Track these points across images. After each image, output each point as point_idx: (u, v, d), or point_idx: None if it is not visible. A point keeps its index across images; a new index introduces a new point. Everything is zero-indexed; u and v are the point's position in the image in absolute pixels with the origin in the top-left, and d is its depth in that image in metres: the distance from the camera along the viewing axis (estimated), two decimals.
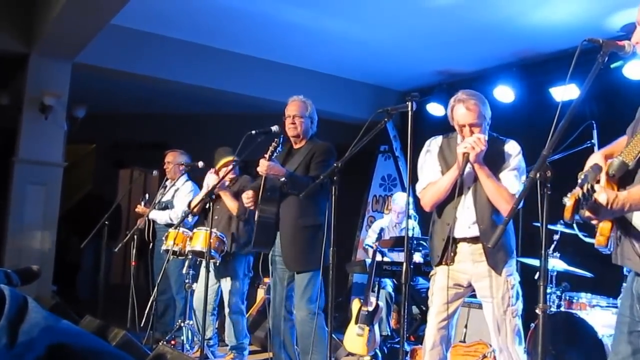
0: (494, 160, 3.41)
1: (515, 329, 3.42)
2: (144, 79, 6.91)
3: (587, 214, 1.80)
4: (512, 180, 3.41)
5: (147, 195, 6.29)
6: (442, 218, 3.53)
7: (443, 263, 3.51)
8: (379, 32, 6.15)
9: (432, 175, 3.57)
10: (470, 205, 3.44)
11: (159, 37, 6.59)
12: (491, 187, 3.35)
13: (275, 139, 4.08)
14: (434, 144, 3.67)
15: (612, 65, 5.16)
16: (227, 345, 5.38)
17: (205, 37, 6.63)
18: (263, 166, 4.03)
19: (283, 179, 4.06)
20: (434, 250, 3.57)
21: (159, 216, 5.94)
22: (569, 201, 1.78)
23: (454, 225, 3.44)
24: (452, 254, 3.48)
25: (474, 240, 3.44)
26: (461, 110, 3.42)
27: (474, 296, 3.72)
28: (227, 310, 5.30)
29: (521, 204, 3.10)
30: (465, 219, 3.43)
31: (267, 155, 4.03)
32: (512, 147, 3.51)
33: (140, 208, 6.08)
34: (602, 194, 1.79)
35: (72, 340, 1.13)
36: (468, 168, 3.38)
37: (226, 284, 5.26)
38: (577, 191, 1.76)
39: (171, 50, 6.71)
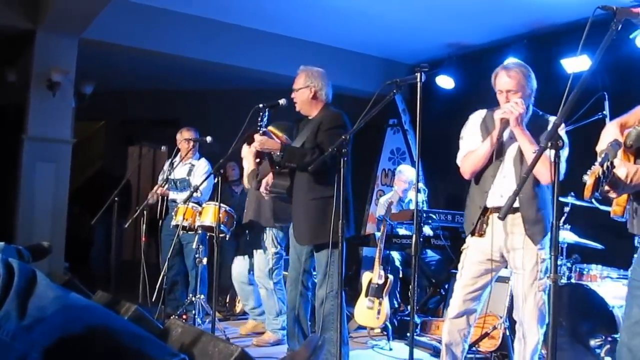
0: (537, 132, 3.37)
1: (539, 303, 3.38)
2: (151, 55, 6.88)
3: (607, 188, 1.78)
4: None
5: (166, 176, 6.21)
6: (479, 185, 3.52)
7: (476, 234, 3.49)
8: (388, 5, 6.08)
9: (472, 143, 3.56)
10: (509, 174, 3.42)
11: (166, 12, 6.55)
12: (532, 152, 3.29)
13: (261, 113, 4.04)
14: (476, 115, 3.67)
15: (631, 36, 5.07)
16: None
17: (213, 11, 6.58)
18: (257, 142, 4.01)
19: (279, 152, 4.03)
20: (469, 217, 3.55)
21: (180, 196, 5.85)
22: (589, 179, 1.76)
23: (489, 193, 3.43)
24: (485, 225, 3.47)
25: (512, 210, 3.39)
26: (502, 77, 3.44)
27: None
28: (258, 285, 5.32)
29: (562, 176, 3.10)
30: (501, 188, 3.41)
31: (261, 130, 4.02)
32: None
33: (162, 190, 5.99)
34: (622, 168, 1.76)
35: (90, 318, 1.14)
36: (509, 135, 3.36)
37: (254, 258, 5.26)
38: (597, 169, 1.74)
39: (179, 26, 6.66)
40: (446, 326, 3.58)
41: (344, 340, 3.97)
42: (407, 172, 6.41)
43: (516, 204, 3.37)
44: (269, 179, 4.29)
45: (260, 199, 5.01)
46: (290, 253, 4.38)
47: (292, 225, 4.23)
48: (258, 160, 4.59)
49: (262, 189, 4.38)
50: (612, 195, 1.86)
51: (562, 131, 3.42)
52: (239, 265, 5.49)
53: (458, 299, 3.53)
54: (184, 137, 6.01)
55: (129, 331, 1.18)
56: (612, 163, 1.76)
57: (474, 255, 3.51)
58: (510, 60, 3.49)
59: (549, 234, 3.43)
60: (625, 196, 2.00)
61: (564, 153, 3.37)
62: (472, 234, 3.52)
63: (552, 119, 3.49)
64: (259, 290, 5.29)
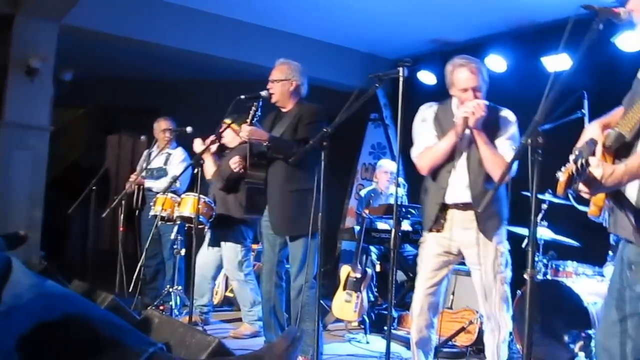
0: (489, 128, 3.41)
1: (503, 295, 3.46)
2: (133, 43, 6.81)
3: (581, 187, 1.80)
4: (508, 148, 3.42)
5: (144, 165, 6.20)
6: (437, 182, 3.54)
7: (434, 230, 3.52)
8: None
9: (428, 140, 3.57)
10: (464, 170, 3.45)
11: (148, 0, 6.48)
12: (488, 154, 3.35)
13: (255, 104, 4.04)
14: (429, 110, 3.67)
15: (612, 38, 5.12)
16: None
17: (195, 1, 6.53)
18: (245, 131, 4.00)
19: (267, 143, 4.04)
20: (427, 214, 3.58)
21: (156, 184, 5.88)
22: (562, 176, 1.77)
23: (447, 190, 3.46)
24: (443, 221, 3.50)
25: (465, 206, 3.45)
26: (464, 73, 3.41)
27: (463, 263, 3.75)
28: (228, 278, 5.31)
29: (514, 172, 3.15)
30: (457, 184, 3.45)
31: (248, 120, 4.00)
32: (508, 116, 3.52)
33: (136, 178, 5.97)
34: (599, 169, 1.78)
35: (67, 306, 1.13)
36: (465, 133, 3.38)
37: (224, 250, 5.24)
38: (571, 166, 1.76)
39: (161, 14, 6.60)
40: (414, 325, 3.61)
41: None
42: (387, 166, 6.43)
43: (469, 200, 3.42)
44: (240, 163, 4.28)
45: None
46: (263, 245, 4.38)
47: (269, 216, 4.23)
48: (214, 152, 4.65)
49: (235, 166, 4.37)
50: (586, 194, 1.88)
51: (514, 125, 3.47)
52: (203, 255, 5.41)
53: (420, 295, 3.57)
54: (162, 128, 6.01)
55: (106, 320, 1.17)
56: (586, 161, 1.77)
57: (432, 248, 3.56)
58: (460, 57, 3.45)
59: (504, 227, 3.49)
60: (602, 196, 2.02)
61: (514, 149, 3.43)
62: (430, 230, 3.55)
63: (504, 113, 3.52)
64: (232, 283, 5.30)
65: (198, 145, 5.05)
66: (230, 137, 5.16)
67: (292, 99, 4.27)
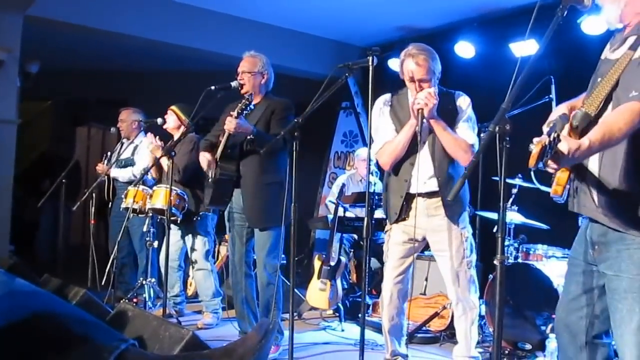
0: (446, 113, 3.46)
1: (470, 279, 3.54)
2: (100, 34, 6.69)
3: (550, 162, 1.83)
4: (468, 131, 3.47)
5: (108, 154, 6.18)
6: (399, 175, 3.57)
7: (399, 221, 3.56)
8: None
9: (387, 134, 3.59)
10: (427, 160, 3.48)
11: None
12: (449, 139, 3.39)
13: (247, 97, 4.03)
14: (384, 102, 3.69)
15: (578, 20, 5.17)
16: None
17: None
18: (231, 124, 3.99)
19: (250, 136, 4.04)
20: (392, 207, 3.62)
21: (121, 174, 5.86)
22: (535, 148, 1.79)
23: (411, 181, 3.48)
24: (408, 210, 3.53)
25: (430, 195, 3.49)
26: (411, 65, 3.44)
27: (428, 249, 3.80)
28: (192, 268, 5.33)
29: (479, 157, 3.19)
30: (422, 174, 3.48)
31: (234, 113, 3.99)
32: (463, 100, 3.56)
33: (100, 167, 5.98)
34: (564, 143, 1.82)
35: (35, 304, 1.12)
36: (422, 124, 3.41)
37: (189, 241, 5.27)
38: (544, 139, 1.78)
39: (129, 4, 6.49)
40: (385, 314, 3.66)
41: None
42: (365, 154, 6.45)
43: (435, 188, 3.48)
44: (211, 162, 4.26)
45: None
46: (230, 236, 4.39)
47: (243, 208, 4.23)
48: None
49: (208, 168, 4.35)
50: (552, 168, 1.91)
51: (469, 107, 3.52)
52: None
53: (389, 283, 3.63)
54: (121, 119, 6.06)
55: (76, 317, 1.16)
56: (558, 136, 1.80)
57: (397, 236, 3.61)
58: (413, 46, 3.49)
59: (466, 211, 3.55)
60: (566, 176, 2.06)
61: (475, 129, 3.51)
62: (397, 222, 3.58)
63: (458, 96, 3.57)
64: (195, 273, 5.32)
65: (148, 142, 5.25)
66: (173, 124, 5.29)
67: (261, 92, 4.30)
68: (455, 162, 3.49)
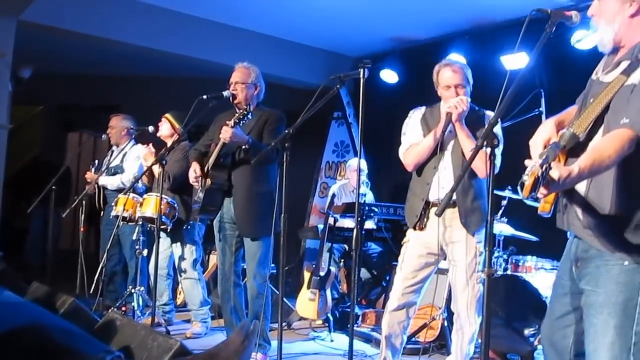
0: (473, 126, 3.50)
1: (477, 295, 3.51)
2: (93, 40, 6.69)
3: (541, 188, 1.84)
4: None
5: (96, 162, 6.16)
6: (422, 177, 3.62)
7: (417, 227, 3.56)
8: None
9: (414, 137, 3.66)
10: (448, 166, 3.53)
11: None
12: (470, 147, 3.42)
13: (245, 107, 4.05)
14: (417, 112, 3.78)
15: (573, 42, 5.23)
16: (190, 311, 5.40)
17: None
18: (227, 133, 4.00)
19: (245, 146, 4.05)
20: (412, 210, 3.64)
21: (110, 181, 5.83)
22: (529, 179, 1.80)
23: (432, 186, 3.51)
24: (426, 219, 3.56)
25: (449, 204, 3.49)
26: (447, 72, 3.55)
27: None
28: (180, 277, 5.31)
29: (497, 168, 3.23)
30: (442, 181, 3.52)
31: (230, 122, 4.00)
32: (490, 116, 3.61)
33: (89, 175, 5.95)
34: (555, 171, 1.83)
35: (20, 317, 1.11)
36: (449, 129, 3.48)
37: (177, 250, 5.26)
38: (537, 169, 1.79)
39: (122, 11, 6.50)
40: (386, 318, 3.66)
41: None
42: (355, 165, 6.48)
43: (454, 197, 3.48)
44: (197, 169, 4.27)
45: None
46: (219, 245, 4.39)
47: (235, 217, 4.23)
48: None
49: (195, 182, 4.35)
50: (542, 194, 1.93)
51: (497, 127, 3.55)
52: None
53: (398, 292, 3.61)
54: (111, 125, 6.01)
55: (61, 329, 1.16)
56: (549, 165, 1.81)
57: (415, 248, 3.60)
58: (447, 59, 3.62)
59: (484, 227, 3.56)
60: (553, 194, 2.08)
61: (500, 147, 3.51)
62: (415, 227, 3.60)
63: (488, 113, 3.63)
64: (183, 282, 5.30)
65: (141, 150, 5.29)
66: (167, 132, 5.30)
67: (253, 103, 4.32)
68: (477, 175, 3.52)
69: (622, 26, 2.16)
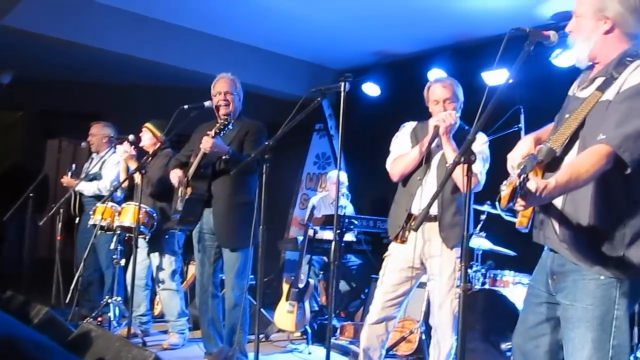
0: (461, 143, 3.50)
1: (455, 310, 3.49)
2: (75, 46, 6.65)
3: (519, 200, 1.86)
4: (477, 162, 3.50)
5: (74, 166, 6.11)
6: (406, 188, 3.63)
7: (399, 239, 3.57)
8: (317, 10, 6.11)
9: (402, 148, 3.70)
10: (434, 178, 3.55)
11: (91, 4, 6.34)
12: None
13: (226, 117, 4.05)
14: (407, 125, 3.82)
15: (551, 57, 5.29)
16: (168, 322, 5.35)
17: (140, 6, 6.43)
18: (207, 143, 3.99)
19: (226, 156, 4.04)
20: (395, 220, 3.65)
21: (87, 187, 5.79)
22: (506, 189, 1.82)
23: (415, 197, 3.53)
24: (407, 232, 3.56)
25: (430, 218, 3.51)
26: (438, 88, 3.61)
27: None
28: (158, 287, 5.28)
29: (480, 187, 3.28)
30: (427, 191, 3.53)
31: (211, 133, 3.99)
32: (479, 136, 3.62)
33: (66, 179, 5.90)
34: (532, 182, 1.85)
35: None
36: (436, 143, 3.51)
37: (156, 260, 5.22)
38: (515, 180, 1.81)
39: (104, 18, 6.46)
40: (365, 332, 3.65)
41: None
42: (335, 177, 6.48)
43: (435, 211, 3.50)
44: (182, 179, 4.26)
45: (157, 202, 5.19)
46: (198, 256, 4.37)
47: (214, 228, 4.21)
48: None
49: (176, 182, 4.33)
50: (521, 206, 1.95)
51: (485, 145, 3.60)
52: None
53: (377, 306, 3.60)
54: (92, 132, 6.00)
55: (34, 342, 1.14)
56: (527, 176, 1.84)
57: (396, 262, 3.60)
58: (438, 77, 3.67)
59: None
60: (530, 208, 2.10)
61: (486, 166, 3.55)
62: (396, 238, 3.61)
63: (476, 133, 3.63)
64: (161, 293, 5.27)
65: (122, 151, 5.21)
66: (148, 141, 5.28)
67: (236, 113, 4.33)
68: (459, 190, 3.53)
69: (598, 43, 2.20)
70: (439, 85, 3.63)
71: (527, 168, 1.87)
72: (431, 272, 3.58)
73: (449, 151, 3.48)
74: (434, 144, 3.53)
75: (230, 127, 4.06)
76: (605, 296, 2.09)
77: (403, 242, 3.59)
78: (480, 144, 3.61)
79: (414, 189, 3.58)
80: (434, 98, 3.61)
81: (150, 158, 4.62)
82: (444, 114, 3.50)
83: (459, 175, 3.39)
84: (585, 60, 2.26)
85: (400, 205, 3.65)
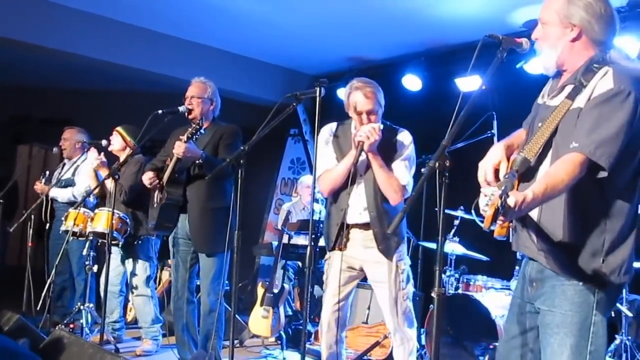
0: (386, 148, 3.52)
1: (406, 311, 3.55)
2: (48, 52, 6.57)
3: (501, 218, 1.87)
4: (403, 170, 3.52)
5: (47, 173, 6.04)
6: (337, 204, 3.61)
7: (337, 248, 3.59)
8: (292, 16, 6.13)
9: (328, 162, 3.64)
10: (362, 192, 3.54)
11: (65, 9, 6.27)
12: (383, 177, 3.45)
13: (198, 122, 4.03)
14: (327, 130, 3.74)
15: (517, 65, 5.36)
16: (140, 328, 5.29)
17: (111, 11, 6.38)
18: (180, 148, 3.97)
19: (199, 161, 4.03)
20: (329, 235, 3.66)
21: (61, 194, 5.73)
22: (489, 210, 1.82)
23: (347, 211, 3.52)
24: (345, 240, 3.57)
25: (365, 226, 3.54)
26: (359, 97, 3.49)
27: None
28: (131, 293, 5.23)
29: (408, 193, 3.30)
30: (357, 205, 3.54)
31: (184, 137, 3.97)
32: (404, 137, 3.62)
33: (39, 186, 5.84)
34: (511, 198, 1.86)
35: None
36: (362, 156, 3.46)
37: (130, 266, 5.18)
38: (496, 200, 1.81)
39: (76, 23, 6.39)
40: (324, 341, 3.66)
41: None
42: (309, 181, 6.47)
43: (367, 220, 3.52)
44: (153, 180, 4.23)
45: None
46: (174, 262, 4.35)
47: (190, 233, 4.19)
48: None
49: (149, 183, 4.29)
50: (501, 221, 1.95)
51: (411, 146, 3.59)
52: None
53: (327, 311, 3.63)
54: (64, 137, 5.95)
55: (6, 349, 1.12)
56: (507, 195, 1.85)
57: (337, 264, 3.62)
58: (358, 80, 3.56)
59: (403, 244, 3.60)
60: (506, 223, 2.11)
61: (412, 170, 3.57)
62: (333, 249, 3.63)
63: (401, 132, 3.64)
64: (135, 299, 5.22)
65: (93, 157, 5.17)
66: (118, 145, 5.27)
67: (209, 118, 4.32)
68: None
69: (565, 50, 2.23)
70: (360, 94, 3.48)
71: (508, 188, 1.88)
72: (374, 279, 3.63)
73: (376, 167, 3.44)
74: (361, 157, 3.45)
75: (202, 131, 4.03)
76: (584, 302, 2.11)
77: (341, 249, 3.60)
78: (407, 144, 3.60)
79: (344, 203, 3.55)
80: (358, 109, 3.50)
81: (120, 165, 4.58)
82: (366, 129, 3.38)
83: (385, 186, 3.43)
84: (552, 67, 2.29)
85: (333, 220, 3.64)
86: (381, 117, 3.56)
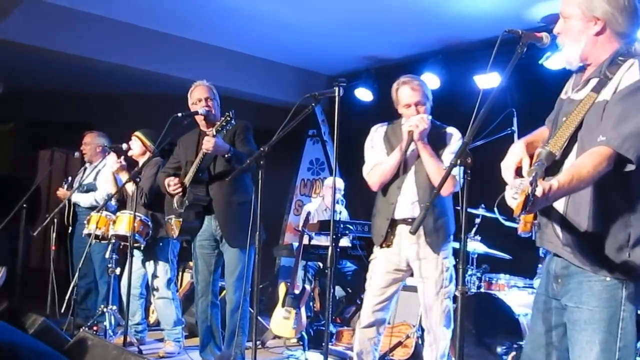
0: (435, 143, 3.54)
1: (445, 310, 3.54)
2: (66, 57, 6.64)
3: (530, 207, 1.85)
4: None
5: (69, 178, 6.10)
6: (386, 197, 3.63)
7: (384, 245, 3.58)
8: (308, 16, 6.13)
9: (377, 157, 3.68)
10: (412, 185, 3.54)
11: (82, 14, 6.34)
12: (433, 167, 3.46)
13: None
14: (379, 130, 3.79)
15: (540, 61, 5.31)
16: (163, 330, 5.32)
17: (131, 16, 6.43)
18: (210, 143, 3.97)
19: (228, 154, 4.05)
20: (378, 229, 3.65)
21: (83, 199, 5.78)
22: (519, 197, 1.81)
23: (397, 205, 3.53)
24: (392, 237, 3.57)
25: (413, 221, 3.51)
26: (406, 91, 3.56)
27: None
28: (153, 296, 5.25)
29: (458, 187, 3.27)
30: (406, 199, 3.54)
31: (212, 131, 3.99)
32: (453, 131, 3.66)
33: (61, 192, 5.90)
34: (539, 187, 1.84)
35: None
36: (412, 148, 3.48)
37: (150, 268, 5.20)
38: (527, 188, 1.80)
39: (95, 28, 6.47)
40: (357, 335, 3.66)
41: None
42: (336, 183, 6.48)
43: (417, 213, 3.51)
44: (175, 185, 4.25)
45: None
46: (198, 264, 4.36)
47: (220, 229, 4.22)
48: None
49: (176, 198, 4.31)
50: (529, 211, 1.93)
51: (459, 142, 3.57)
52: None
53: (368, 309, 3.62)
54: (85, 142, 6.00)
55: (33, 349, 1.14)
56: (537, 182, 1.83)
57: (382, 265, 3.62)
58: (404, 76, 3.63)
59: (450, 242, 3.59)
60: (532, 213, 2.09)
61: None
62: (381, 245, 3.62)
63: (449, 129, 3.67)
64: (156, 301, 5.24)
65: (112, 161, 5.18)
66: (138, 150, 5.28)
67: (218, 117, 4.34)
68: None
69: (588, 44, 2.19)
70: (407, 87, 3.58)
71: (538, 175, 1.86)
72: (420, 275, 3.60)
73: (426, 156, 3.47)
74: (409, 149, 3.52)
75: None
76: (612, 298, 2.08)
77: (388, 246, 3.60)
78: (455, 140, 3.62)
79: (394, 197, 3.58)
80: (405, 102, 3.57)
81: (140, 169, 4.62)
82: (416, 118, 3.46)
83: (436, 175, 3.42)
84: (576, 61, 2.25)
85: (382, 214, 3.65)
86: (429, 110, 3.59)
